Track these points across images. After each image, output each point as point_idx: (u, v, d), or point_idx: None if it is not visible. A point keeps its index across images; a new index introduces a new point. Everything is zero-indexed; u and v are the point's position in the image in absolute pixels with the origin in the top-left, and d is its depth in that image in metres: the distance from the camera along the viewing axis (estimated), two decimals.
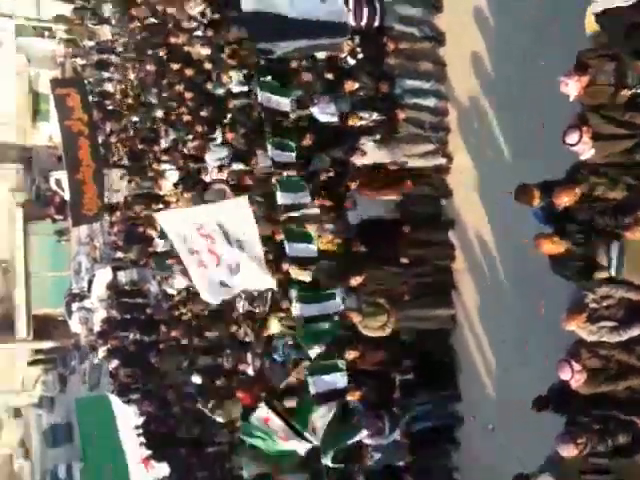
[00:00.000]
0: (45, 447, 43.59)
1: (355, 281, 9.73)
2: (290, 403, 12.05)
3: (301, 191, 11.44)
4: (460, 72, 9.77)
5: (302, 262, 11.32)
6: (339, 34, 9.78)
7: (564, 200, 6.39)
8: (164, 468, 19.77)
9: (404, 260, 9.75)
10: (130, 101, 24.41)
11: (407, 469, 10.12)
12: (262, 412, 11.91)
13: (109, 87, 28.59)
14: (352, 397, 10.10)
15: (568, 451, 6.26)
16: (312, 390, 10.65)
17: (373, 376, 10.11)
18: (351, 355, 9.90)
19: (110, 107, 27.89)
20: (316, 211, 11.21)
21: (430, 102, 9.87)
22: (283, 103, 11.56)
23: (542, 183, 6.75)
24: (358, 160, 9.58)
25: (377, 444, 9.90)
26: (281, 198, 11.46)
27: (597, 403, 6.64)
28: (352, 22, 9.81)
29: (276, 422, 11.71)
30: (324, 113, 10.61)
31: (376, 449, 9.93)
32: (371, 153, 9.59)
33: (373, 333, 9.74)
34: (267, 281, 12.08)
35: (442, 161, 9.94)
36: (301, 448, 11.59)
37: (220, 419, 15.02)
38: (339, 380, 10.46)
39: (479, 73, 9.43)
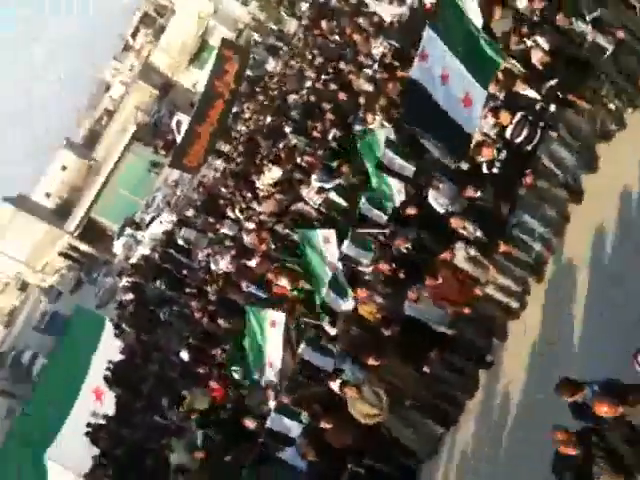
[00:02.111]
0: (27, 328, 44.12)
1: (372, 361, 9.25)
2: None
3: (366, 250, 11.16)
4: (578, 237, 9.23)
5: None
6: (456, 150, 9.36)
7: (603, 410, 5.93)
8: (110, 408, 19.39)
9: (426, 370, 9.20)
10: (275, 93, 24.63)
11: None
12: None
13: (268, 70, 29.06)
14: (305, 454, 9.61)
15: None
16: (268, 423, 10.66)
17: (332, 452, 9.51)
18: (324, 423, 9.42)
19: (258, 90, 28.21)
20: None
21: (536, 246, 9.37)
22: (407, 169, 11.28)
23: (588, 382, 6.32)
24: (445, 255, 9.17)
25: None
26: (346, 247, 11.28)
27: None
28: (508, 135, 9.40)
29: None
30: (436, 201, 10.22)
31: None
32: (459, 261, 9.14)
33: (356, 415, 9.21)
34: None
35: (516, 305, 9.40)
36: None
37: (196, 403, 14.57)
38: (295, 429, 10.34)
39: (594, 248, 8.87)
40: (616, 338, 7.67)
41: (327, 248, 11.62)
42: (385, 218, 11.30)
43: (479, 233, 9.10)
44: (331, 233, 11.68)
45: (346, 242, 11.33)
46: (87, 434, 19.00)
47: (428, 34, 8.96)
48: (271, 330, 11.78)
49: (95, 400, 20.17)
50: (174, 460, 13.72)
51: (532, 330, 9.12)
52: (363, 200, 11.58)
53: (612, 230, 8.78)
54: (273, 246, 15.71)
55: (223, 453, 11.69)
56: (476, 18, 9.40)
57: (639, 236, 8.35)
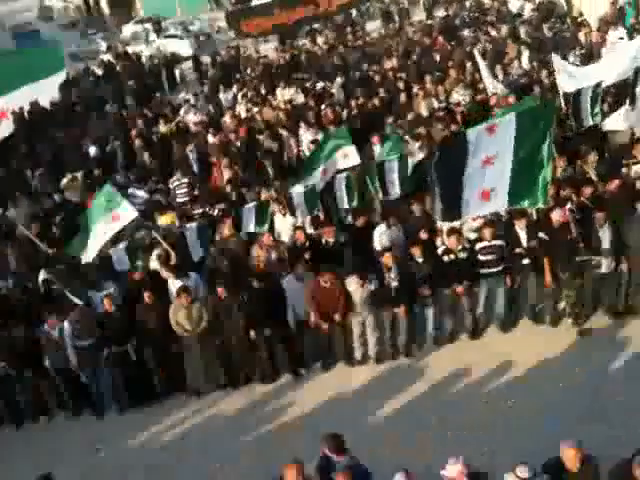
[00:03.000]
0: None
1: (220, 292, 9.40)
2: None
3: (308, 209, 11.22)
4: (447, 358, 9.64)
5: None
6: (443, 216, 9.41)
7: None
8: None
9: (251, 334, 9.36)
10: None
11: None
12: None
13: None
14: (106, 303, 9.52)
15: None
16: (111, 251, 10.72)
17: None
18: (146, 294, 9.49)
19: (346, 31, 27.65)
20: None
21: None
22: (394, 189, 11.54)
23: None
24: (350, 283, 9.34)
25: None
26: (295, 189, 11.26)
27: None
28: (477, 247, 9.59)
29: None
30: (379, 235, 10.46)
31: None
32: (352, 285, 9.32)
33: (170, 316, 9.33)
34: None
35: (359, 357, 9.73)
36: None
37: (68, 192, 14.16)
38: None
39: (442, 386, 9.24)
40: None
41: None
42: (345, 205, 11.40)
43: (395, 283, 9.27)
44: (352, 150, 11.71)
45: (299, 186, 11.34)
46: None
47: (509, 119, 8.94)
48: None
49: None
50: (10, 214, 13.50)
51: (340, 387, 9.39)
52: (343, 176, 11.58)
53: (473, 377, 9.15)
54: (238, 144, 15.60)
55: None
56: None
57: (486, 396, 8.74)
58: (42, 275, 9.95)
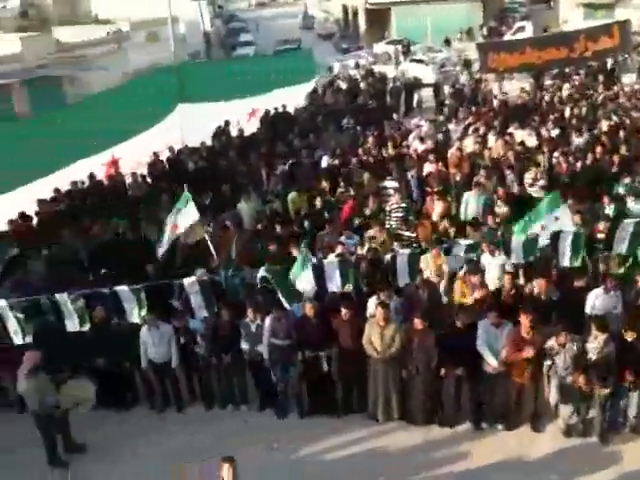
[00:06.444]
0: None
1: (418, 324, 9.08)
2: None
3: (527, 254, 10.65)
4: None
5: None
6: None
7: None
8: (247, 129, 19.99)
9: (441, 372, 9.14)
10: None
11: None
12: None
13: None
14: (306, 309, 9.62)
15: None
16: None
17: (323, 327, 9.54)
18: (344, 309, 9.43)
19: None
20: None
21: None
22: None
23: None
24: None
25: None
26: (515, 239, 10.67)
27: None
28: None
29: None
30: (594, 299, 9.60)
31: None
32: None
33: (366, 333, 9.27)
34: None
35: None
36: None
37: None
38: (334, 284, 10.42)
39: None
40: None
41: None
42: (566, 263, 10.53)
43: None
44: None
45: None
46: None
47: None
48: None
49: (247, 115, 20.67)
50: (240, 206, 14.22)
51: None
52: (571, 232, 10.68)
53: None
54: (457, 177, 15.18)
55: None
56: None
57: None
58: (262, 272, 10.29)
